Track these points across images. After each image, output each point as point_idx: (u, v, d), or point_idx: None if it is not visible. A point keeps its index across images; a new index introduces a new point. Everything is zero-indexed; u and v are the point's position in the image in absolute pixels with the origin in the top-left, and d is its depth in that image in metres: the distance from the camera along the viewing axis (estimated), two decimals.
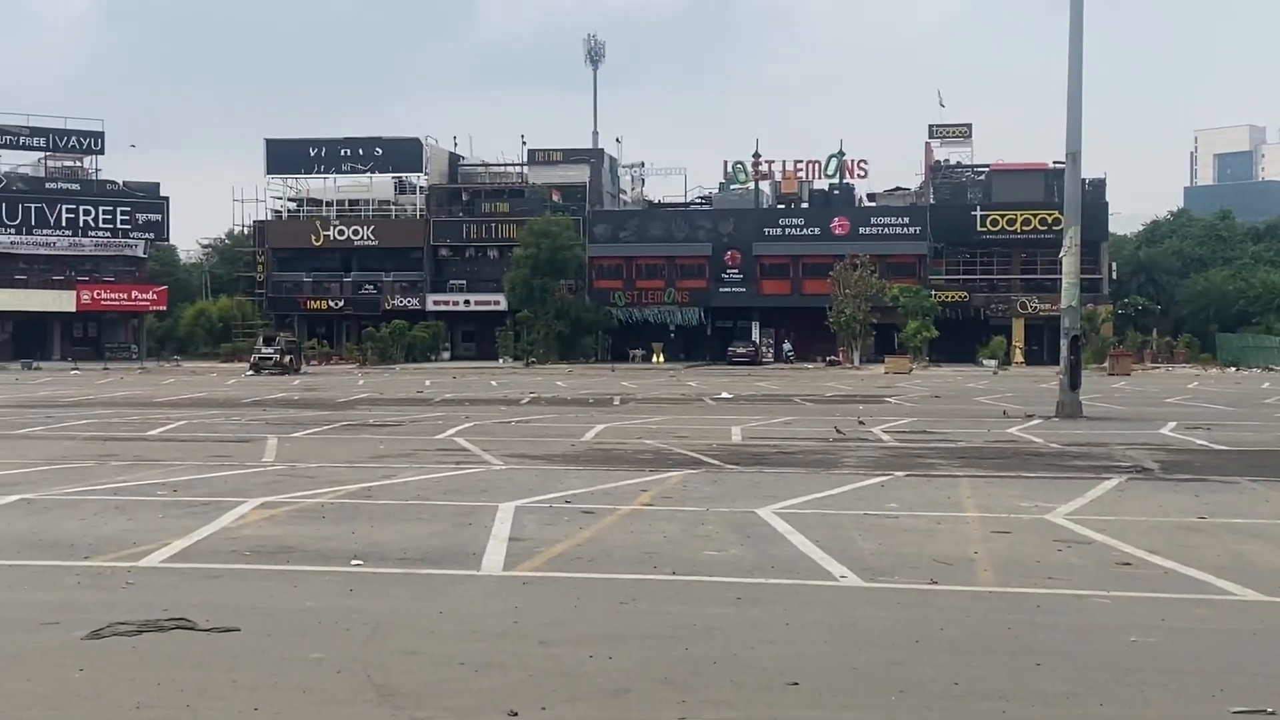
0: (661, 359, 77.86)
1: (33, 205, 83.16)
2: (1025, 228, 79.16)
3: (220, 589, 9.55)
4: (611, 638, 7.98)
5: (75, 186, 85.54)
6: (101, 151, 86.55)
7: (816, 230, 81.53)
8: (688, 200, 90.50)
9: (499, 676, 7.13)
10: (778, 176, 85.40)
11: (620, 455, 20.36)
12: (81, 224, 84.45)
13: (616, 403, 36.85)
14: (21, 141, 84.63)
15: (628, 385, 48.49)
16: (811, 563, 10.56)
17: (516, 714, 6.41)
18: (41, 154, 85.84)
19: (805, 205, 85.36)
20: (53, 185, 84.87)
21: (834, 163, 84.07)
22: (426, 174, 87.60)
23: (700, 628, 8.26)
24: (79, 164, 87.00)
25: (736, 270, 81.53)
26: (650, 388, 46.48)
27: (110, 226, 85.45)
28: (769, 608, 8.89)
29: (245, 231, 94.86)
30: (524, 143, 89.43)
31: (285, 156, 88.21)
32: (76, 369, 69.01)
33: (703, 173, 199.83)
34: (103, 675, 7.10)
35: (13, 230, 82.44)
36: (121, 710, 6.48)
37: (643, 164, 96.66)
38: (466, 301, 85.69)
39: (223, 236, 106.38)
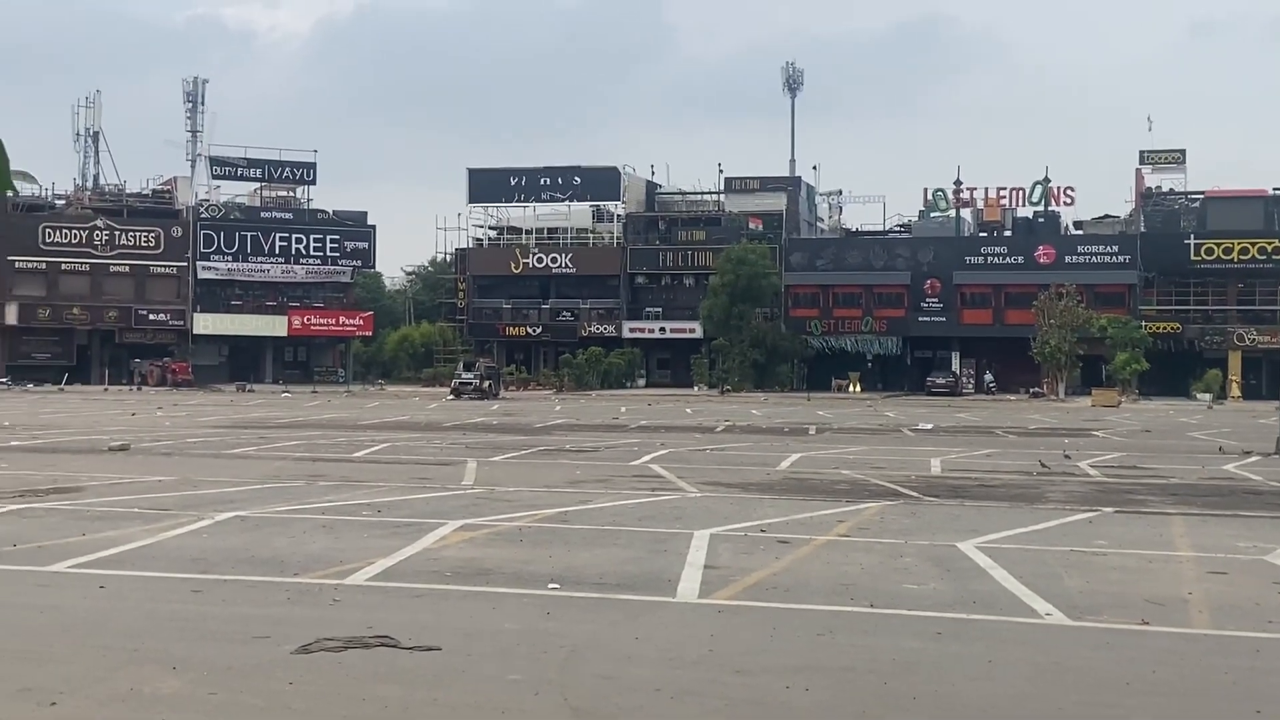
0: (858, 388, 77.05)
1: (248, 234, 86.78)
2: (1243, 256, 76.04)
3: (422, 608, 9.78)
4: (808, 669, 7.91)
5: (288, 216, 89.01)
6: (313, 182, 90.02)
7: (1020, 259, 79.75)
8: (886, 228, 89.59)
9: (695, 704, 7.13)
10: (980, 204, 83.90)
11: (816, 485, 20.22)
12: (293, 252, 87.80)
13: (812, 432, 36.61)
14: (239, 173, 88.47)
15: (823, 414, 48.13)
16: (1015, 599, 10.31)
17: None
18: (257, 185, 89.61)
19: (1008, 233, 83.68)
20: (267, 215, 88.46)
21: (1039, 189, 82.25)
22: (624, 202, 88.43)
23: (899, 662, 8.14)
24: (291, 194, 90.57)
25: (936, 299, 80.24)
26: (846, 417, 46.06)
27: (320, 254, 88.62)
28: (970, 644, 8.71)
29: (447, 259, 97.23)
30: (721, 171, 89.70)
31: (487, 186, 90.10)
32: (287, 391, 71.56)
33: (902, 200, 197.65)
34: (311, 689, 7.33)
35: (230, 258, 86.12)
36: None
37: (840, 191, 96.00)
38: (662, 329, 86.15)
39: (426, 264, 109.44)
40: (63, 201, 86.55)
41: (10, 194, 67.29)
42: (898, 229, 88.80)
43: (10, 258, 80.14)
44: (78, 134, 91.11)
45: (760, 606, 9.95)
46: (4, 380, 74.72)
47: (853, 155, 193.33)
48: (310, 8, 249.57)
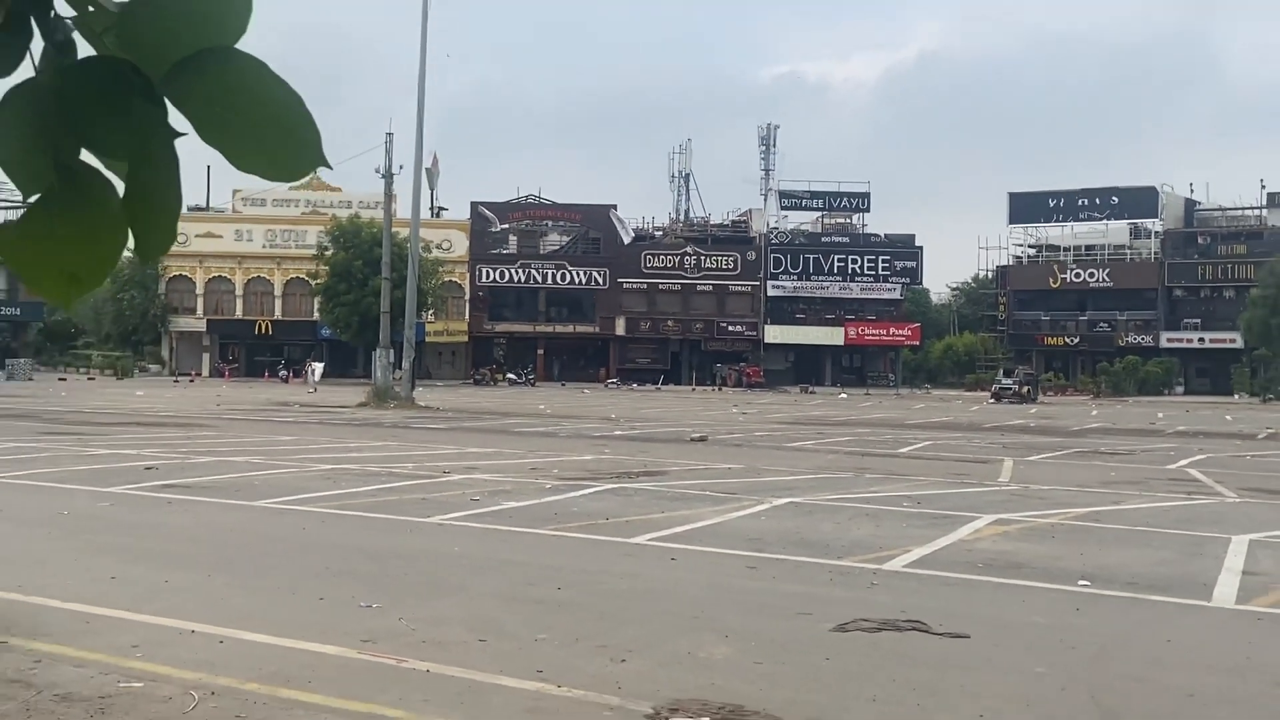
0: None
1: (810, 256, 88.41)
2: None
3: (953, 596, 9.25)
4: None
5: (845, 239, 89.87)
6: (868, 209, 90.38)
7: None
8: None
9: (1230, 715, 6.20)
10: None
11: None
12: (849, 271, 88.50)
13: None
14: (803, 203, 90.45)
15: None
16: None
17: None
18: (819, 213, 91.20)
19: None
20: (827, 239, 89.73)
21: None
22: (1161, 219, 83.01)
23: None
24: (848, 220, 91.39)
25: None
26: None
27: (873, 273, 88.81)
28: None
29: (988, 275, 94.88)
30: (1263, 186, 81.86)
31: (1026, 207, 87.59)
32: (844, 394, 72.08)
33: None
34: (844, 666, 7.04)
35: (795, 277, 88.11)
36: (858, 701, 6.35)
37: None
38: (1200, 339, 79.92)
39: (969, 280, 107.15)
40: (660, 233, 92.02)
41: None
42: None
43: (619, 280, 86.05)
44: (672, 176, 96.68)
45: None
46: (614, 380, 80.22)
47: None
48: (879, 60, 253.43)
